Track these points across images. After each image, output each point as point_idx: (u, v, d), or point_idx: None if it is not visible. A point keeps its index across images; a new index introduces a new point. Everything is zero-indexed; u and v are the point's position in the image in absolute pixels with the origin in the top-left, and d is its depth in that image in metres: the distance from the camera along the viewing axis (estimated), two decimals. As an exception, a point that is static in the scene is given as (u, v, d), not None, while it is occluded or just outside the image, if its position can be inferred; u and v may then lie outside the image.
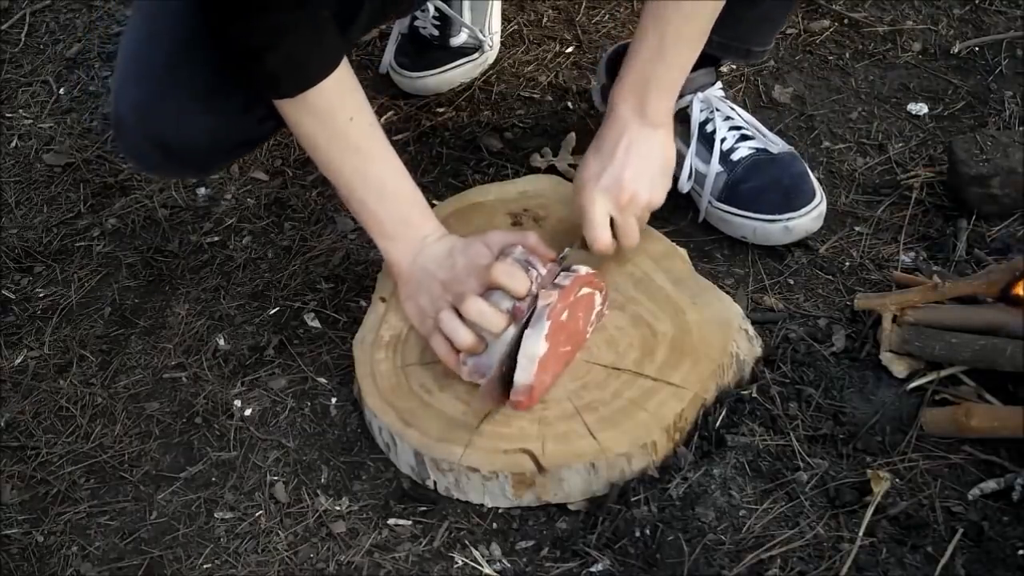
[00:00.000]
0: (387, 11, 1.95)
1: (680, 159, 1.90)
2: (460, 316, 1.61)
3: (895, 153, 2.00)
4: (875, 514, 1.51)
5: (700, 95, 1.92)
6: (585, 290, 1.63)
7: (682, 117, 1.91)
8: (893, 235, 1.87)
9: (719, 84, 1.95)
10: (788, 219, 1.84)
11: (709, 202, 1.88)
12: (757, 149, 1.88)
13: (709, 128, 1.90)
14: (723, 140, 1.89)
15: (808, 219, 1.84)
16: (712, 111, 1.90)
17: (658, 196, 1.71)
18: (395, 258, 1.70)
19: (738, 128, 1.91)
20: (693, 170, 1.90)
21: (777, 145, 1.90)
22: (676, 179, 1.89)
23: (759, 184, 1.85)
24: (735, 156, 1.88)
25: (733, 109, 1.93)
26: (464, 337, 1.60)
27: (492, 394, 1.58)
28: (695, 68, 1.91)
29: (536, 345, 1.56)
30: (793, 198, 1.84)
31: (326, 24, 1.60)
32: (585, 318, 1.65)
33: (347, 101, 1.64)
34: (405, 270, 1.69)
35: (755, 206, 1.85)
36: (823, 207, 1.86)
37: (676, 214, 1.91)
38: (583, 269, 1.63)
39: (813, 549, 1.50)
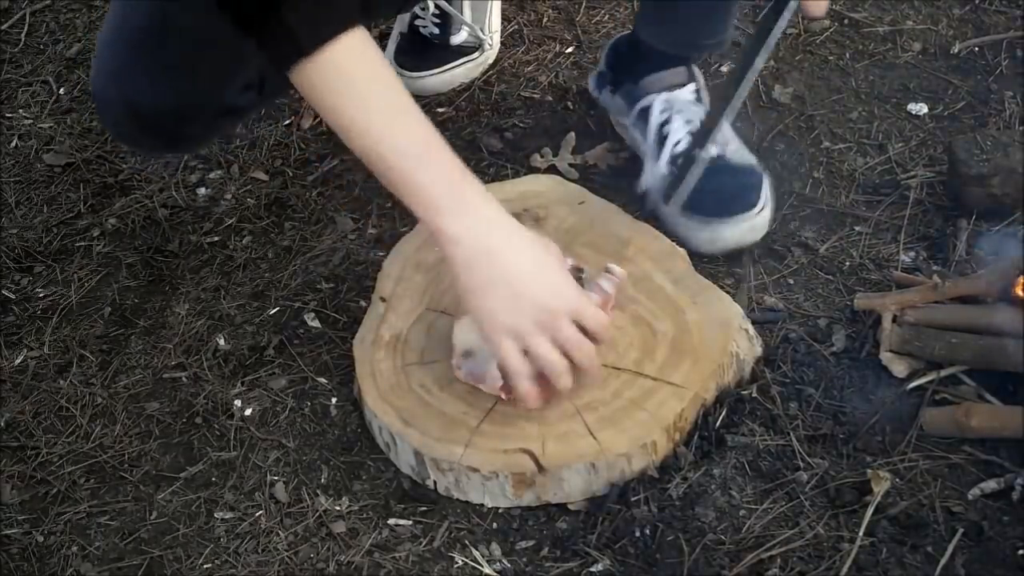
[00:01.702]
0: (372, 10, 1.93)
1: (641, 153, 1.92)
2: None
3: (895, 153, 2.00)
4: (875, 514, 1.51)
5: (664, 95, 1.91)
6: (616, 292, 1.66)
7: (644, 115, 1.91)
8: (893, 235, 1.87)
9: (692, 86, 1.93)
10: (716, 227, 1.81)
11: (656, 202, 1.87)
12: (710, 156, 1.85)
13: (665, 130, 1.89)
14: (677, 142, 1.88)
15: (738, 231, 1.81)
16: (673, 113, 1.90)
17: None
18: (454, 235, 1.46)
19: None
20: (651, 170, 1.90)
21: (740, 156, 1.87)
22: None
23: (699, 189, 1.82)
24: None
25: (699, 114, 1.90)
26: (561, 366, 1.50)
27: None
28: (666, 67, 1.91)
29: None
30: (727, 207, 1.81)
31: None
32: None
33: (368, 59, 1.48)
34: (471, 257, 1.47)
35: (689, 211, 1.83)
36: (759, 221, 1.82)
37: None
38: (617, 270, 1.64)
39: (813, 549, 1.50)
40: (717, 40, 1.93)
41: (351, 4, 1.51)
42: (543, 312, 1.48)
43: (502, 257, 1.48)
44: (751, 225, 1.82)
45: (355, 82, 1.46)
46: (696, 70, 1.97)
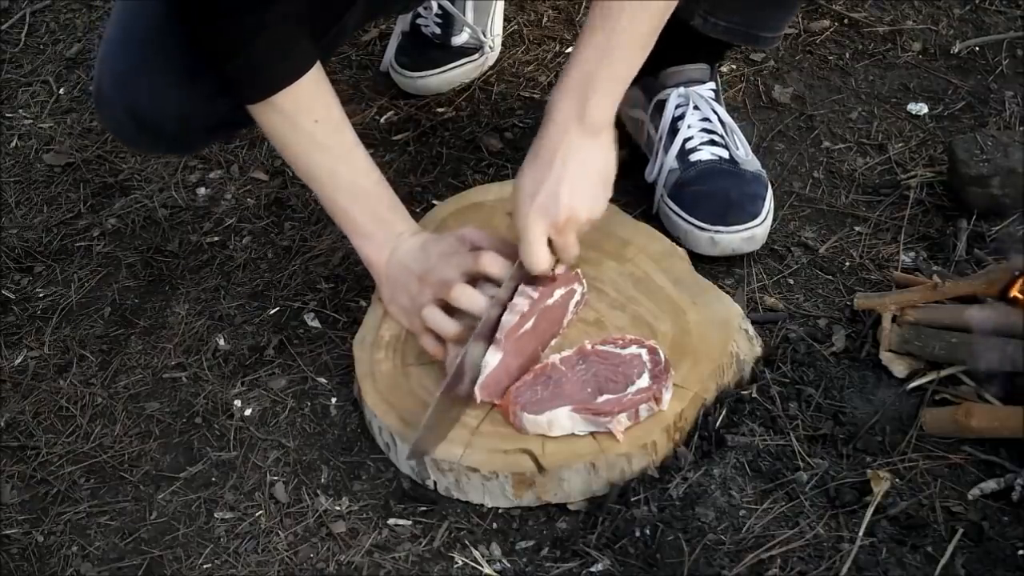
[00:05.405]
0: (377, 11, 1.94)
1: (651, 146, 1.90)
2: (443, 307, 1.62)
3: (895, 153, 2.00)
4: (875, 514, 1.51)
5: (681, 90, 1.90)
6: (559, 292, 1.65)
7: (660, 108, 1.91)
8: (893, 235, 1.87)
9: (711, 85, 1.93)
10: (716, 232, 1.81)
11: (661, 196, 1.88)
12: (721, 158, 1.86)
13: (678, 124, 1.88)
14: (689, 138, 1.87)
15: (737, 238, 1.81)
16: (689, 108, 1.89)
17: (598, 210, 1.61)
18: (371, 257, 1.71)
19: (710, 132, 1.88)
20: (660, 162, 1.89)
21: (748, 163, 1.87)
22: (644, 164, 1.91)
23: (705, 190, 1.83)
24: (695, 157, 1.86)
25: (716, 113, 1.90)
26: (450, 328, 1.61)
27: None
28: (688, 61, 1.89)
29: (493, 357, 1.59)
30: (730, 213, 1.81)
31: (294, 32, 1.61)
32: (559, 316, 1.66)
33: (314, 104, 1.65)
34: (382, 269, 1.71)
35: (692, 211, 1.83)
36: (760, 232, 1.82)
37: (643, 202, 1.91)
38: (560, 268, 1.64)
39: (813, 549, 1.50)
40: (774, 34, 1.90)
41: (302, 55, 1.63)
42: (425, 286, 1.66)
43: (404, 262, 1.69)
44: (751, 235, 1.82)
45: (298, 124, 1.65)
46: (716, 76, 1.95)
